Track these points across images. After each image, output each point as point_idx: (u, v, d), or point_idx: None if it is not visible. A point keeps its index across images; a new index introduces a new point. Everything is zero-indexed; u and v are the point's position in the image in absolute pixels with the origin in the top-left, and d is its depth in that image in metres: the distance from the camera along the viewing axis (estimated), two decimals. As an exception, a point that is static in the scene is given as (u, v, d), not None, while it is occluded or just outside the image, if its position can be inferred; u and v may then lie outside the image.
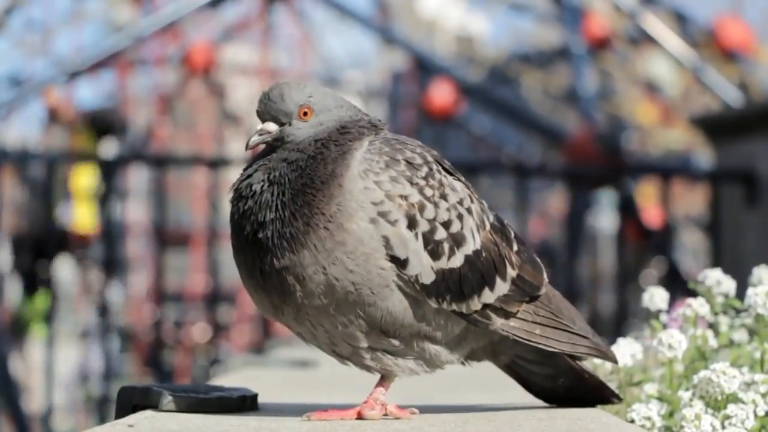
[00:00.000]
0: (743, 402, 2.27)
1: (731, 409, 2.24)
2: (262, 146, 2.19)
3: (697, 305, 2.53)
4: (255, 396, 2.33)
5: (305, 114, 2.18)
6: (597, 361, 2.51)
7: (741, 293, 2.58)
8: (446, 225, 2.14)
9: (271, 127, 2.18)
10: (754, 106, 10.14)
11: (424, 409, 2.25)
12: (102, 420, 9.75)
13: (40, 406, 10.73)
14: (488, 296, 2.18)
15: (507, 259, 2.22)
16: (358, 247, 2.07)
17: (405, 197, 2.11)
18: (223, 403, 2.25)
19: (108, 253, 11.73)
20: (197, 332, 14.03)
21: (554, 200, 15.38)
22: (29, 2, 15.25)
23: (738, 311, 2.64)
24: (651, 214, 11.85)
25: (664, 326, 2.57)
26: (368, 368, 2.19)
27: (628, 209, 10.78)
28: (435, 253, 2.12)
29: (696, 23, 12.85)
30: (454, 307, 2.15)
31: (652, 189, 12.60)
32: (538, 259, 2.31)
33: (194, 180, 16.15)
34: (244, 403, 2.29)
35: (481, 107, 14.25)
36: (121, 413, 2.24)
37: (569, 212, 11.22)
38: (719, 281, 2.66)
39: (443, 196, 2.15)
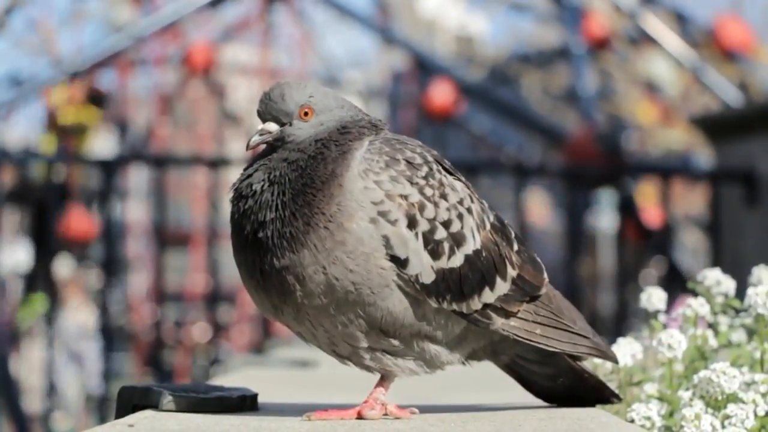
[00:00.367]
0: (743, 402, 2.27)
1: (731, 408, 2.24)
2: (263, 146, 2.19)
3: (697, 305, 2.53)
4: (255, 396, 2.33)
5: (306, 114, 2.18)
6: (597, 360, 2.51)
7: (741, 293, 2.58)
8: (446, 225, 2.14)
9: (272, 127, 2.18)
10: (754, 106, 10.15)
11: (424, 409, 2.25)
12: (102, 420, 9.75)
13: (40, 406, 10.74)
14: (488, 296, 2.18)
15: (507, 259, 2.22)
16: (358, 246, 2.07)
17: (405, 197, 2.11)
18: (223, 402, 2.25)
19: (108, 253, 11.72)
20: (197, 332, 14.04)
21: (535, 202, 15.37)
22: (29, 2, 15.25)
23: (738, 311, 2.64)
24: (651, 213, 11.84)
25: (664, 326, 2.57)
26: (368, 368, 2.19)
27: (628, 209, 10.78)
28: (435, 252, 2.12)
29: (696, 23, 12.86)
30: (455, 306, 2.15)
31: (652, 189, 12.59)
32: (539, 259, 2.31)
33: (194, 180, 16.16)
34: (244, 403, 2.29)
35: (481, 107, 14.26)
36: (121, 413, 2.24)
37: (569, 212, 11.22)
38: (719, 281, 2.66)
39: (443, 196, 2.15)
